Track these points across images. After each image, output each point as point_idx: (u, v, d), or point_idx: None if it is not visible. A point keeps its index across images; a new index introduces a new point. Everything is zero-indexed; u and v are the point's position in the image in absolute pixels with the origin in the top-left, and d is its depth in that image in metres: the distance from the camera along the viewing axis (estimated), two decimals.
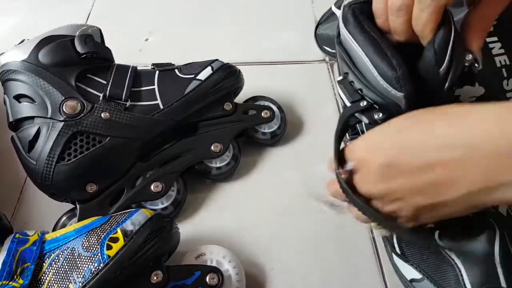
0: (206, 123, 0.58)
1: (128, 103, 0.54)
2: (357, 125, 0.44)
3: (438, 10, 0.36)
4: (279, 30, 0.79)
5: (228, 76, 0.59)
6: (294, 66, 0.74)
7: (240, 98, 0.63)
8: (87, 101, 0.52)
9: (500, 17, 0.48)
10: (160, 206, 0.54)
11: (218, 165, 0.58)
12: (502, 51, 0.51)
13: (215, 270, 0.46)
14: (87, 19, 0.85)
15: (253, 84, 0.65)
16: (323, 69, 0.73)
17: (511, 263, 0.40)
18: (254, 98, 0.64)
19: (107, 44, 0.58)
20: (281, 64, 0.73)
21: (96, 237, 0.44)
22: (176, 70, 0.59)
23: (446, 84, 0.37)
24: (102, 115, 0.52)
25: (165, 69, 0.58)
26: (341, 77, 0.41)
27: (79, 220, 0.50)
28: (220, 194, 0.59)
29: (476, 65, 0.38)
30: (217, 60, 0.60)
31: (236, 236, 0.54)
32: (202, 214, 0.57)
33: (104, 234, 0.44)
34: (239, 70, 0.62)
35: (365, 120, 0.39)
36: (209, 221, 0.56)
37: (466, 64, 0.38)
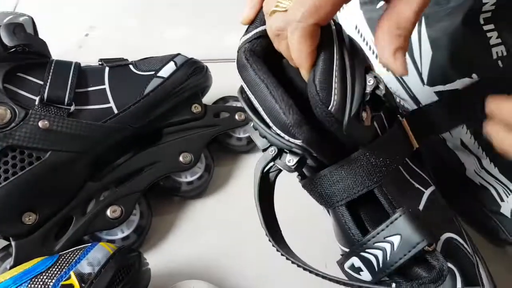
0: (172, 130, 0.50)
1: (72, 108, 0.45)
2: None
3: (310, 33, 0.31)
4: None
5: (194, 72, 0.52)
6: None
7: (207, 100, 0.55)
8: (18, 107, 0.43)
9: (498, 2, 0.46)
10: (120, 235, 0.46)
11: (189, 179, 0.50)
12: (499, 41, 0.48)
13: None
14: (15, 8, 0.75)
15: (220, 84, 0.57)
16: None
17: None
18: (224, 99, 0.57)
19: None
20: None
21: (43, 287, 0.34)
22: (130, 66, 0.50)
23: (344, 122, 0.32)
24: (40, 124, 0.43)
25: (117, 65, 0.50)
26: (251, 125, 0.38)
27: (16, 263, 0.41)
28: (193, 213, 0.51)
29: (380, 87, 0.33)
30: (179, 54, 0.52)
31: (217, 265, 0.46)
32: (172, 241, 0.48)
33: (53, 281, 0.35)
34: (206, 66, 0.54)
35: (280, 167, 0.36)
36: (182, 248, 0.48)
37: (368, 90, 0.33)
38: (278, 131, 0.33)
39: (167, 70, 0.50)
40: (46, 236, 0.43)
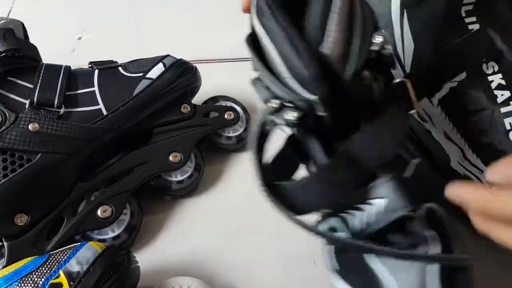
0: (161, 130, 0.50)
1: (62, 110, 0.45)
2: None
3: None
4: (237, 25, 0.71)
5: (183, 73, 0.52)
6: None
7: (197, 100, 0.55)
8: (9, 111, 0.43)
9: None
10: (111, 234, 0.46)
11: (179, 178, 0.50)
12: None
13: None
14: (9, 13, 0.75)
15: (210, 84, 0.57)
16: None
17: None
18: (214, 99, 0.56)
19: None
20: (241, 61, 0.65)
21: (32, 285, 0.34)
22: (120, 68, 0.50)
23: (346, 72, 0.31)
24: (30, 126, 0.43)
25: (107, 67, 0.50)
26: (254, 76, 0.36)
27: (8, 263, 0.41)
28: (183, 212, 0.50)
29: (386, 47, 0.32)
30: (168, 55, 0.53)
31: (208, 263, 0.46)
32: (163, 239, 0.48)
33: (43, 279, 0.35)
34: (196, 67, 0.54)
35: (278, 121, 0.35)
36: (173, 247, 0.48)
37: (375, 48, 0.32)
38: (292, 84, 0.32)
39: (156, 71, 0.50)
40: (38, 237, 0.43)
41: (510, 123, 0.45)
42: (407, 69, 0.47)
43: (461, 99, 0.49)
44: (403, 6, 0.48)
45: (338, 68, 0.31)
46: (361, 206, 0.35)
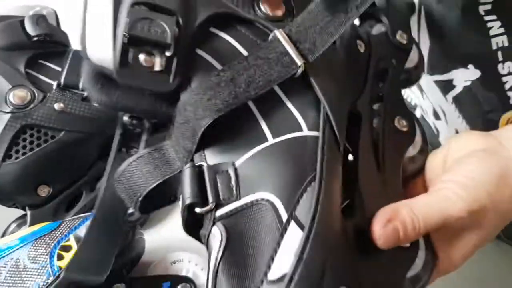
0: None
1: (85, 93, 0.48)
2: None
3: None
4: None
5: None
6: None
7: None
8: (38, 90, 0.47)
9: None
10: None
11: None
12: (502, 30, 0.47)
13: (188, 280, 0.41)
14: None
15: None
16: None
17: None
18: None
19: None
20: None
21: (45, 246, 0.38)
22: None
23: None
24: (56, 106, 0.47)
25: None
26: None
27: None
28: None
29: None
30: None
31: None
32: (176, 219, 0.50)
33: (54, 242, 0.39)
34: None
35: None
36: (179, 224, 0.50)
37: None
38: None
39: None
40: (57, 208, 0.47)
41: None
42: (424, 67, 0.47)
43: (474, 98, 0.49)
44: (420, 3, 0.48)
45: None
46: None
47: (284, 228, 0.25)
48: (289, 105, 0.29)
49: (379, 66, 0.36)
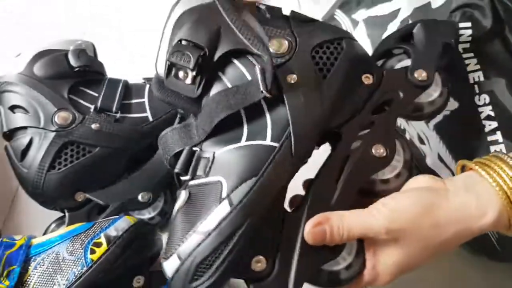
0: None
1: (118, 115, 0.55)
2: None
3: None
4: None
5: None
6: None
7: None
8: (78, 113, 0.54)
9: (475, 35, 0.51)
10: (147, 215, 0.56)
11: None
12: (478, 67, 0.52)
13: None
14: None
15: None
16: None
17: None
18: None
19: (100, 58, 0.60)
20: None
21: (80, 242, 0.45)
22: None
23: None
24: (93, 126, 0.53)
25: None
26: None
27: None
28: None
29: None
30: None
31: None
32: None
33: (88, 239, 0.45)
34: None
35: None
36: None
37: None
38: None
39: None
40: (90, 212, 0.53)
41: (495, 150, 0.49)
42: None
43: (453, 127, 0.53)
44: None
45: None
46: None
47: (219, 202, 0.37)
48: (267, 117, 0.40)
49: (384, 97, 0.43)
